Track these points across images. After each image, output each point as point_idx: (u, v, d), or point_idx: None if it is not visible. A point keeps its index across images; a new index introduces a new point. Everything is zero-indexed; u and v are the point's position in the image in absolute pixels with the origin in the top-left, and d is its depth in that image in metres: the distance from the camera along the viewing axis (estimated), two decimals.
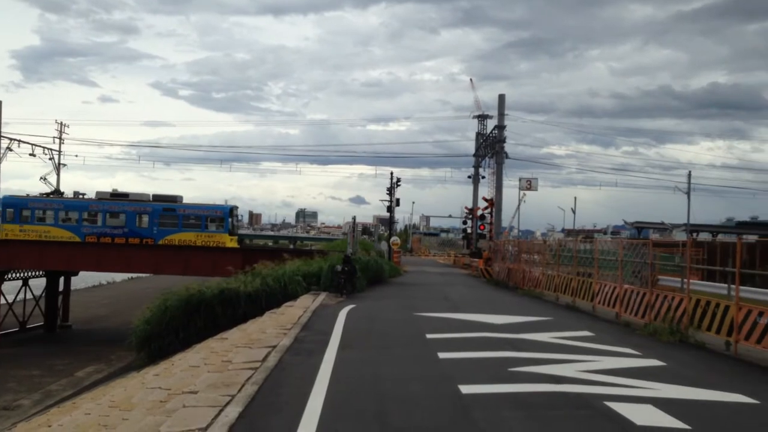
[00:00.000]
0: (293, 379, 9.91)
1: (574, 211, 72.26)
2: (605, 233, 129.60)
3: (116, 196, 47.77)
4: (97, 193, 48.34)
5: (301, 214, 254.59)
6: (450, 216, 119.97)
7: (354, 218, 31.21)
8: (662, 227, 65.29)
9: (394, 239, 46.50)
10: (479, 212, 54.59)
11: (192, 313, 21.49)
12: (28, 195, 48.82)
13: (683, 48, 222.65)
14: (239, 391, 8.91)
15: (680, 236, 62.03)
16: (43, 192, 51.15)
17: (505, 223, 56.27)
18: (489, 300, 24.99)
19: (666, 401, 8.85)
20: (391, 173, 51.51)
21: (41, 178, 53.63)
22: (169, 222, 46.08)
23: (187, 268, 42.44)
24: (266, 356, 11.54)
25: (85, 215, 46.01)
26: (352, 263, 25.22)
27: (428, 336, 14.43)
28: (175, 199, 48.54)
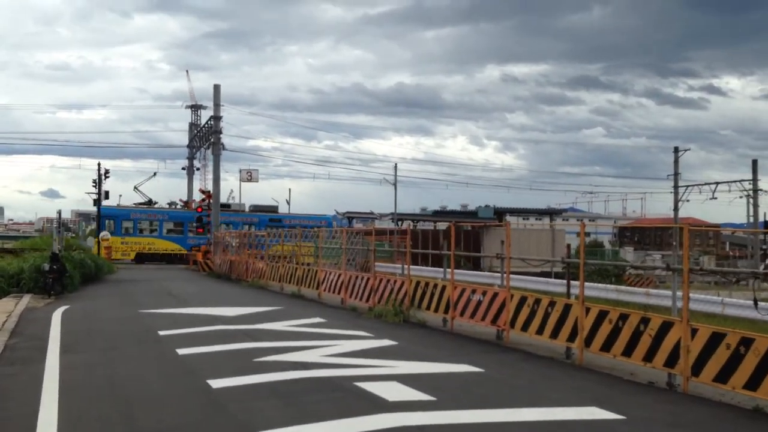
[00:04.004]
0: (14, 392, 8.69)
1: (288, 203, 73.72)
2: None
3: None
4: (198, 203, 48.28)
5: None
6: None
7: (59, 212, 28.32)
8: (372, 217, 69.69)
9: (104, 234, 43.22)
10: (194, 205, 53.07)
11: None
12: (119, 205, 48.03)
13: (372, 49, 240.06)
14: None
15: (385, 224, 66.68)
16: (137, 202, 49.83)
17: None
18: (215, 293, 24.47)
19: (408, 377, 9.42)
20: (99, 164, 47.72)
21: (135, 187, 51.03)
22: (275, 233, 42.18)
23: None
24: None
25: (191, 226, 43.46)
26: (60, 261, 22.90)
27: (161, 333, 13.65)
28: (275, 209, 51.04)
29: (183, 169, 62.04)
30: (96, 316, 16.84)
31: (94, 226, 61.70)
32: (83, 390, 8.74)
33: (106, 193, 47.17)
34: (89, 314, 17.27)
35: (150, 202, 50.73)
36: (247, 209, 51.50)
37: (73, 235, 63.28)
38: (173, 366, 10.45)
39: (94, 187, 47.39)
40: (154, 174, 57.27)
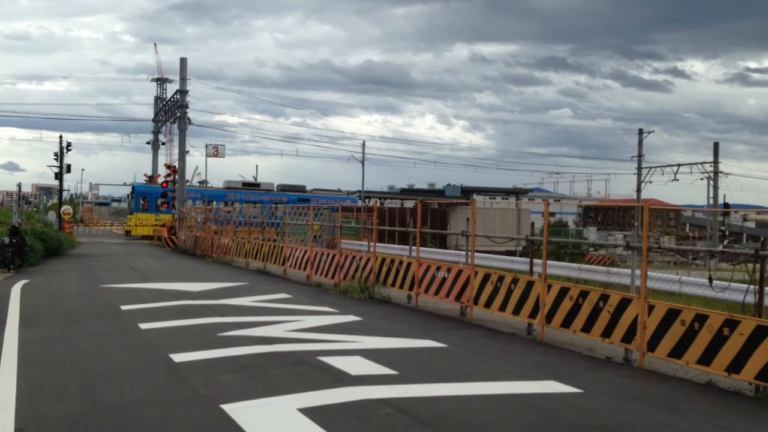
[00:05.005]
0: None
1: (255, 179, 73.15)
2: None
3: (247, 185, 51.96)
4: (226, 181, 51.68)
5: None
6: (125, 184, 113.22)
7: (19, 185, 27.84)
8: (339, 194, 69.55)
9: (66, 208, 42.50)
10: (159, 179, 52.41)
11: None
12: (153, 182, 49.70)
13: (341, 25, 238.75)
14: None
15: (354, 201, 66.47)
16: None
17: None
18: (180, 269, 24.26)
19: (371, 351, 9.50)
20: (60, 137, 47.03)
21: (166, 165, 50.79)
22: (302, 212, 42.36)
23: None
24: None
25: (222, 204, 43.81)
26: (20, 234, 22.50)
27: (123, 307, 13.53)
28: (303, 189, 52.52)
29: (148, 143, 61.22)
30: (56, 291, 16.60)
31: (55, 200, 60.81)
32: (43, 364, 8.65)
33: (68, 167, 46.39)
34: (50, 288, 17.02)
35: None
36: (275, 188, 52.49)
37: (34, 208, 62.11)
38: (135, 340, 10.37)
39: (56, 160, 46.57)
40: (187, 152, 57.26)
